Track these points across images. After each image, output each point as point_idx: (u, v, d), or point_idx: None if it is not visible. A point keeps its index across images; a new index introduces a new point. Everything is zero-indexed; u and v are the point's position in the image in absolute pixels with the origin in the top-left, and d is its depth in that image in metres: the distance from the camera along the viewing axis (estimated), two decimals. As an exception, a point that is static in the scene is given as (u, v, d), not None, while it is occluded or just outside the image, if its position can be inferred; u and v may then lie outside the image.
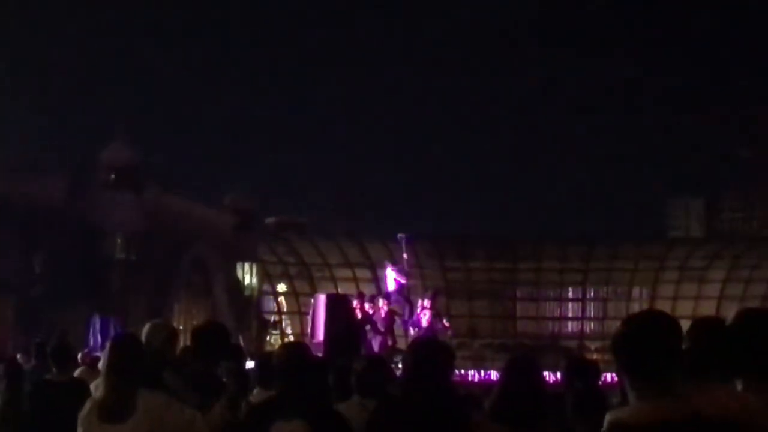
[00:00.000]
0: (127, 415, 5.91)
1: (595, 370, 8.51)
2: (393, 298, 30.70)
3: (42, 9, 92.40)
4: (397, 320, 29.27)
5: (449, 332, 30.57)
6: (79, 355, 16.92)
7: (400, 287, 31.60)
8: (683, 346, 3.93)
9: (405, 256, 33.18)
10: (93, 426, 6.02)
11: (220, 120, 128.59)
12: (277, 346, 10.43)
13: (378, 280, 44.40)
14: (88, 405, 6.09)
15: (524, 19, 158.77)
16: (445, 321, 30.48)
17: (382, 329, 27.93)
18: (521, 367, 6.16)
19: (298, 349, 6.36)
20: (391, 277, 31.85)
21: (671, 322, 3.90)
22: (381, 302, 28.94)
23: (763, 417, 3.92)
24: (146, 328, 7.27)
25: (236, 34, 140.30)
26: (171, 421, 6.00)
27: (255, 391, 7.49)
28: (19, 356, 18.58)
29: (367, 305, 28.32)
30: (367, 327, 27.60)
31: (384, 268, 33.61)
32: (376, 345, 27.33)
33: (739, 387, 4.13)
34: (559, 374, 15.56)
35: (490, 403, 6.18)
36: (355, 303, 27.88)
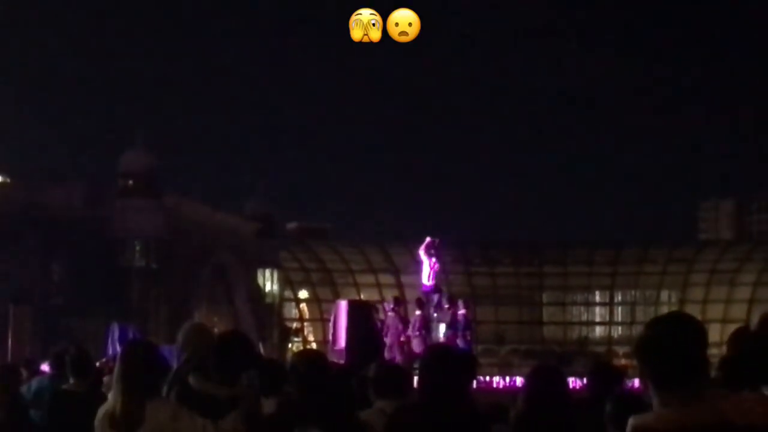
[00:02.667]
0: (136, 424, 5.85)
1: (620, 376, 8.33)
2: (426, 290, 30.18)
3: (58, 20, 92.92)
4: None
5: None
6: (98, 364, 16.80)
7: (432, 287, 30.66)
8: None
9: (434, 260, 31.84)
10: None
11: (241, 126, 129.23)
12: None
13: (403, 286, 43.83)
14: (101, 412, 6.05)
15: (551, 24, 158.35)
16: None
17: (417, 333, 27.44)
18: (546, 376, 6.12)
19: (313, 356, 6.45)
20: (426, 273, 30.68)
21: (696, 325, 3.80)
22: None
23: None
24: (191, 329, 7.04)
25: (259, 42, 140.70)
26: (182, 431, 5.90)
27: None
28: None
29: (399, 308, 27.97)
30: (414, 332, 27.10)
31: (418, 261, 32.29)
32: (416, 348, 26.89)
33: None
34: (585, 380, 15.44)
35: (515, 413, 6.14)
36: (392, 307, 27.48)
